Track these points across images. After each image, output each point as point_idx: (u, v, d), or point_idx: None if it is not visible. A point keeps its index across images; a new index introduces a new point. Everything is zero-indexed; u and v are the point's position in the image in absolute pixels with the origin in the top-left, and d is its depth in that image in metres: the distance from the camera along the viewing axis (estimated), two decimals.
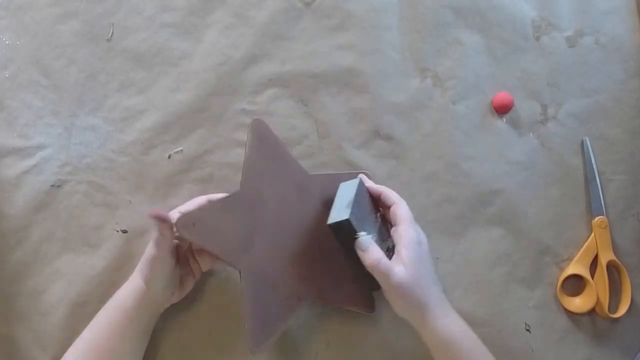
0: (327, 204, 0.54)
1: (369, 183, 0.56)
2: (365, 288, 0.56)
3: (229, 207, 0.52)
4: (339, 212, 0.51)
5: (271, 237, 0.53)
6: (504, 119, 0.61)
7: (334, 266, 0.55)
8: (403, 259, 0.49)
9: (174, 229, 0.48)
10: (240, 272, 0.51)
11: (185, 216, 0.49)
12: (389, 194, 0.54)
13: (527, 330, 0.59)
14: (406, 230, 0.51)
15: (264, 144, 0.55)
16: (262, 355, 0.56)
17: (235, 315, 0.56)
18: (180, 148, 0.57)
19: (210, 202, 0.53)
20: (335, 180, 0.56)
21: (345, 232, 0.51)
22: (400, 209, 0.52)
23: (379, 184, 0.59)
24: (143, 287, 0.50)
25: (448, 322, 0.50)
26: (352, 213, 0.50)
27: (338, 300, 0.55)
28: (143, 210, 0.57)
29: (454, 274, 0.59)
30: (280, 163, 0.55)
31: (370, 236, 0.50)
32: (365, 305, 0.56)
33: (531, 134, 0.61)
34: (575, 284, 0.60)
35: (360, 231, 0.50)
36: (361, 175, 0.56)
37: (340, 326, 0.57)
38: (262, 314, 0.51)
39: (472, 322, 0.57)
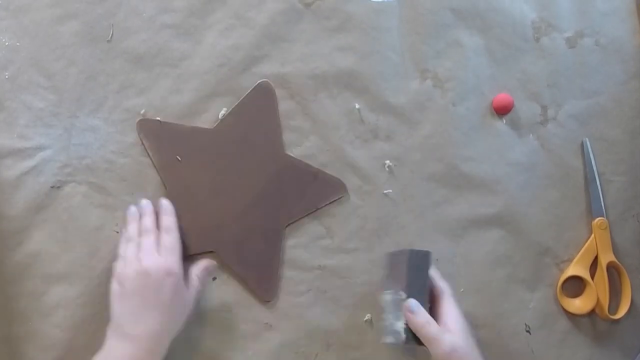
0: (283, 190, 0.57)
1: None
2: (271, 276, 0.57)
3: (194, 136, 0.57)
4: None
5: (216, 181, 0.57)
6: (504, 120, 0.61)
7: (254, 240, 0.57)
8: (450, 328, 0.51)
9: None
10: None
11: (147, 120, 0.57)
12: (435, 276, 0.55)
13: (527, 331, 0.59)
14: (451, 304, 0.53)
15: (260, 104, 0.58)
16: (262, 356, 0.56)
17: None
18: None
19: (178, 124, 0.57)
20: (303, 174, 0.58)
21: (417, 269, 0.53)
22: (445, 290, 0.54)
23: (378, 184, 0.59)
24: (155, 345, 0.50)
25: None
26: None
27: (237, 267, 0.56)
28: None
29: (454, 275, 0.58)
30: (265, 129, 0.58)
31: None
32: (261, 291, 0.57)
33: (531, 135, 0.61)
34: (575, 285, 0.60)
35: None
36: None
37: (340, 327, 0.57)
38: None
39: (473, 323, 0.58)
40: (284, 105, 0.59)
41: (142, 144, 0.57)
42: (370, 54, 0.60)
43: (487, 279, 0.59)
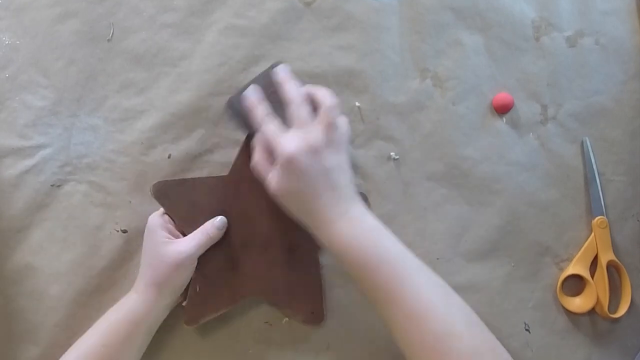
0: None
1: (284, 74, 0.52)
2: (317, 300, 0.56)
3: (208, 187, 0.55)
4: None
5: (240, 227, 0.55)
6: (504, 120, 0.61)
7: (292, 273, 0.55)
8: (275, 170, 0.48)
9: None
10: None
11: (161, 183, 0.54)
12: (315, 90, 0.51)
13: (527, 330, 0.59)
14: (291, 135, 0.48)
15: None
16: (262, 357, 0.56)
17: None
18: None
19: (192, 179, 0.56)
20: None
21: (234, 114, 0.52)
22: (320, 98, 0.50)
23: (378, 184, 0.59)
24: (155, 297, 0.51)
25: (351, 230, 0.47)
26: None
27: (285, 307, 0.56)
28: (143, 210, 0.57)
29: (453, 274, 0.59)
30: None
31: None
32: (311, 318, 0.56)
33: (531, 134, 0.61)
34: (575, 284, 0.60)
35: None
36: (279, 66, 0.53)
37: (340, 326, 0.57)
38: (204, 294, 0.54)
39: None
40: None
41: (162, 207, 0.55)
42: (370, 53, 0.60)
43: (486, 278, 0.59)
